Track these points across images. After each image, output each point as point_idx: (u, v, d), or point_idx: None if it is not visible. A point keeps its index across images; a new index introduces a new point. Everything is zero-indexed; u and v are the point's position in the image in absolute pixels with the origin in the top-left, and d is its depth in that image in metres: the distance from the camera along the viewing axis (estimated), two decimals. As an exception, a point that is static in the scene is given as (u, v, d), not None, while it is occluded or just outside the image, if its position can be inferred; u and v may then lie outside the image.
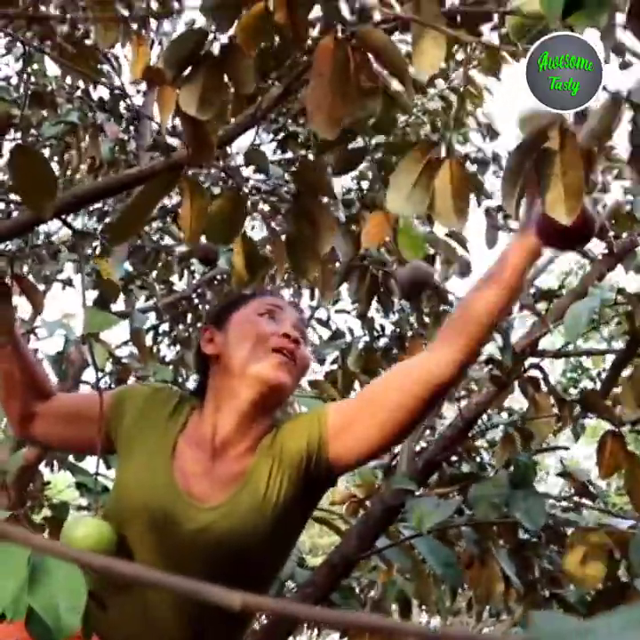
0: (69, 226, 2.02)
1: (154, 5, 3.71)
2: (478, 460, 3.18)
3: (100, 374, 2.72)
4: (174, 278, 4.59)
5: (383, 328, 3.91)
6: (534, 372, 2.33)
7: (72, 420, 1.73)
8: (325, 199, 2.04)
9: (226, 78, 1.69)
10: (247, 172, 3.07)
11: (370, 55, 1.57)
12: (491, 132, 4.36)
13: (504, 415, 2.99)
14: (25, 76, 3.93)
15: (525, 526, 1.97)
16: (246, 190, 1.96)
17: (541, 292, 2.89)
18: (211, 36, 1.68)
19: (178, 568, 1.46)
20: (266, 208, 2.54)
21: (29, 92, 3.64)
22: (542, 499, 1.98)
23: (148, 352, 3.37)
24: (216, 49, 1.69)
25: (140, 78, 2.00)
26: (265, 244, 3.60)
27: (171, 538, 1.50)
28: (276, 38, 2.01)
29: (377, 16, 1.88)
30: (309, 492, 1.56)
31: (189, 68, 1.64)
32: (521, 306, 2.34)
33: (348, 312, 4.36)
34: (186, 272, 4.43)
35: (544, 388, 2.31)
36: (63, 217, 2.01)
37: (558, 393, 2.37)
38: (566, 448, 2.57)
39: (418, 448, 2.45)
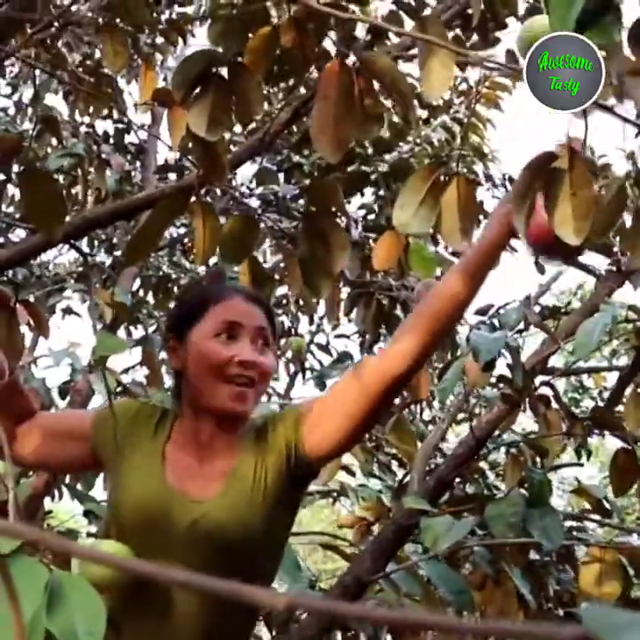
0: (78, 249, 2.05)
1: (159, 40, 3.78)
2: (482, 481, 3.16)
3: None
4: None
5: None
6: (544, 390, 2.33)
7: (57, 438, 1.73)
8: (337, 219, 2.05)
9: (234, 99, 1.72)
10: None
11: (374, 80, 1.60)
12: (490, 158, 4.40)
13: (505, 436, 2.99)
14: (29, 109, 3.97)
15: (540, 545, 1.96)
16: (257, 211, 1.98)
17: (548, 310, 2.89)
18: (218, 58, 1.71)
19: (187, 552, 1.51)
20: (276, 228, 2.56)
21: (37, 125, 3.66)
22: (559, 517, 1.97)
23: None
24: (224, 71, 1.72)
25: (151, 100, 2.02)
26: (275, 268, 3.63)
27: (168, 536, 1.53)
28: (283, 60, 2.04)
29: (387, 40, 1.91)
30: (294, 486, 1.61)
31: (198, 89, 1.67)
32: (528, 324, 2.34)
33: (348, 336, 4.37)
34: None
35: (554, 405, 2.31)
36: (72, 242, 2.03)
37: (570, 410, 2.37)
38: (581, 465, 2.55)
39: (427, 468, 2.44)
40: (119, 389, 3.18)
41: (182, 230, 4.40)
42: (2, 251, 1.95)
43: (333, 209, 1.96)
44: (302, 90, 2.44)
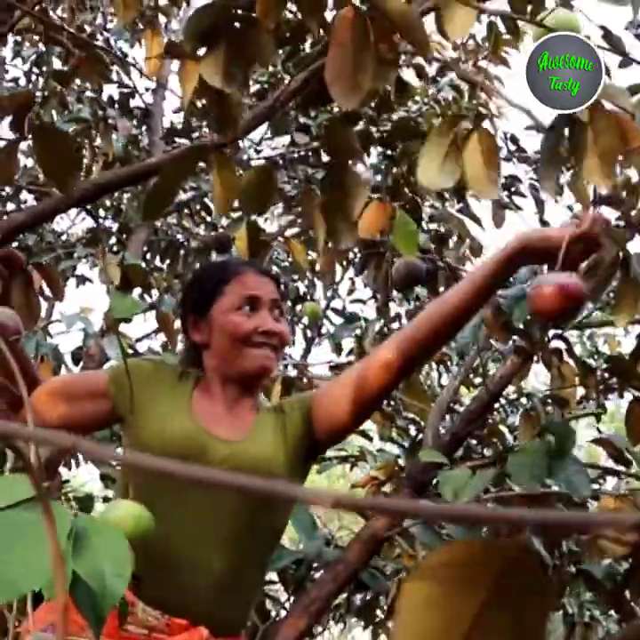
0: (90, 213, 2.03)
1: (162, 2, 3.73)
2: (499, 444, 3.15)
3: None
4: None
5: (399, 315, 3.92)
6: (558, 343, 2.32)
7: (74, 399, 1.74)
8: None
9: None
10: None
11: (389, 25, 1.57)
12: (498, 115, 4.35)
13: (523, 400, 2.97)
14: (35, 76, 3.94)
15: (559, 497, 1.95)
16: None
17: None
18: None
19: (202, 508, 1.58)
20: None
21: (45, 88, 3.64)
22: (584, 467, 1.95)
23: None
24: (235, 23, 1.70)
25: (163, 54, 2.00)
26: (281, 232, 3.62)
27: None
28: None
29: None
30: (308, 453, 1.73)
31: (209, 42, 1.64)
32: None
33: (364, 302, 4.37)
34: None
35: (567, 359, 2.30)
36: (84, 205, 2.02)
37: (585, 362, 2.36)
38: (601, 413, 2.54)
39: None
40: (132, 354, 3.18)
41: (190, 194, 4.37)
42: (15, 214, 1.94)
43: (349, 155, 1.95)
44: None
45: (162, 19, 3.97)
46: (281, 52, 2.54)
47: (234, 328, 1.70)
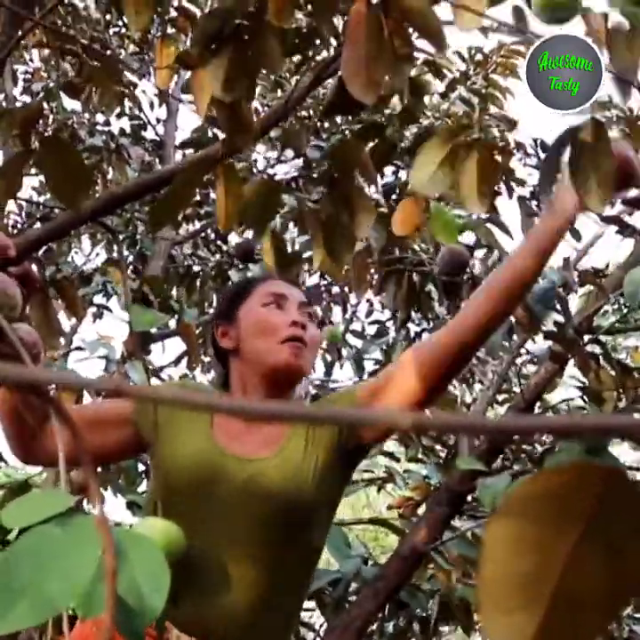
0: (106, 226, 1.99)
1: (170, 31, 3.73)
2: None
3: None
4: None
5: (419, 334, 3.87)
6: (592, 348, 2.26)
7: (98, 427, 1.68)
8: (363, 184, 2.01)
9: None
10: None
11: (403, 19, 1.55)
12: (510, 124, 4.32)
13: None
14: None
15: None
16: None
17: (584, 277, 2.82)
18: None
19: (230, 529, 1.53)
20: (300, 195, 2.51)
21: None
22: (622, 466, 1.90)
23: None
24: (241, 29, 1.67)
25: (174, 64, 1.98)
26: (305, 249, 3.58)
27: (221, 494, 1.55)
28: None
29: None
30: (344, 464, 1.64)
31: (215, 49, 1.61)
32: (569, 289, 2.28)
33: (383, 323, 4.32)
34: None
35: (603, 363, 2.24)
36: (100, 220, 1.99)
37: (623, 362, 2.30)
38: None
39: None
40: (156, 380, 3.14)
41: (205, 222, 4.36)
42: (30, 231, 1.91)
43: (358, 173, 1.92)
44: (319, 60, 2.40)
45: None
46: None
47: (260, 320, 1.66)
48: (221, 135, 3.74)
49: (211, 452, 1.60)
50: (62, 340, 3.77)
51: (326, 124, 3.80)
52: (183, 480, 1.58)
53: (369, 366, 3.95)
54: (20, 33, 1.99)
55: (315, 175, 3.29)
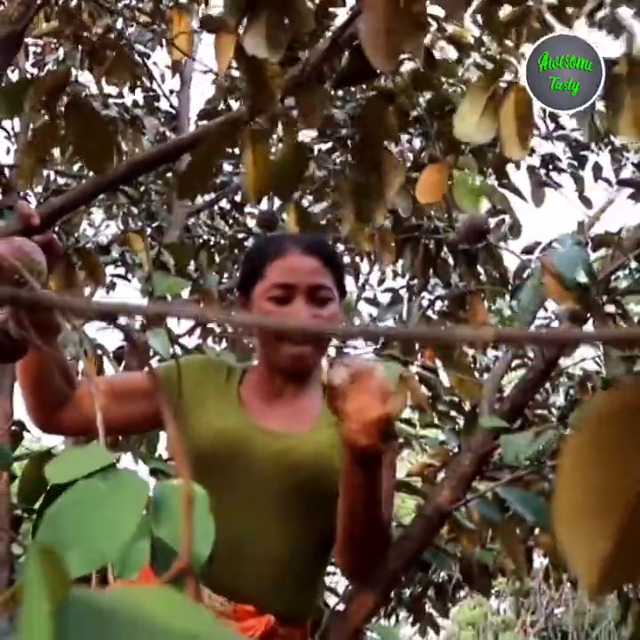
0: (127, 194, 2.00)
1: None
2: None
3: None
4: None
5: (433, 302, 3.87)
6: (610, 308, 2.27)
7: (126, 398, 1.69)
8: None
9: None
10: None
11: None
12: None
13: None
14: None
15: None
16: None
17: (599, 238, 2.81)
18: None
19: (259, 497, 1.57)
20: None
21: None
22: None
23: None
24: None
25: (199, 28, 1.99)
26: (322, 218, 3.59)
27: (250, 467, 1.58)
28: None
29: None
30: None
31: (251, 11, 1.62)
32: (599, 243, 2.28)
33: (396, 290, 4.32)
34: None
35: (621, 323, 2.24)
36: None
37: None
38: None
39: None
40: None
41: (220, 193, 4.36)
42: (53, 199, 1.92)
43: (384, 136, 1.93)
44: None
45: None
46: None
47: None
48: (234, 106, 3.77)
49: (242, 425, 1.62)
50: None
51: (340, 93, 3.81)
52: (213, 449, 1.60)
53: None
54: (38, 2, 1.99)
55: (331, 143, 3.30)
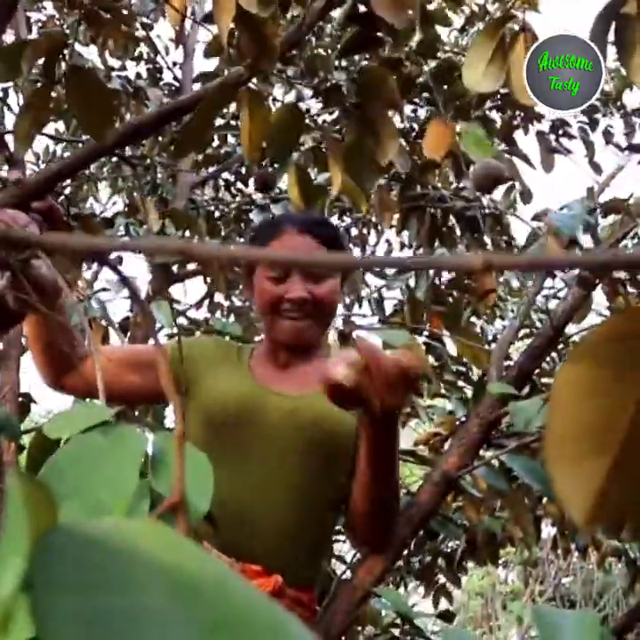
0: (125, 159, 1.99)
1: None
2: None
3: (169, 333, 2.70)
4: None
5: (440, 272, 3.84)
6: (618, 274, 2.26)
7: (135, 368, 1.72)
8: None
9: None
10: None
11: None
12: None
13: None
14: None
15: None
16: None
17: (609, 204, 2.79)
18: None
19: (269, 458, 1.60)
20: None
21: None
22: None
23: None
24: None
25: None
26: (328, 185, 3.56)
27: (262, 427, 1.62)
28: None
29: None
30: None
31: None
32: (608, 209, 2.25)
33: (403, 261, 4.28)
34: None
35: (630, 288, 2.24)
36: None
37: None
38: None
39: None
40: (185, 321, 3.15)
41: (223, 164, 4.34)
42: (52, 164, 1.90)
43: (383, 99, 1.90)
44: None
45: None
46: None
47: (261, 295, 1.69)
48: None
49: (255, 389, 1.67)
50: (83, 282, 3.78)
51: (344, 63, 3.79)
52: (225, 413, 1.64)
53: (389, 307, 3.94)
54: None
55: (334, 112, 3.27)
